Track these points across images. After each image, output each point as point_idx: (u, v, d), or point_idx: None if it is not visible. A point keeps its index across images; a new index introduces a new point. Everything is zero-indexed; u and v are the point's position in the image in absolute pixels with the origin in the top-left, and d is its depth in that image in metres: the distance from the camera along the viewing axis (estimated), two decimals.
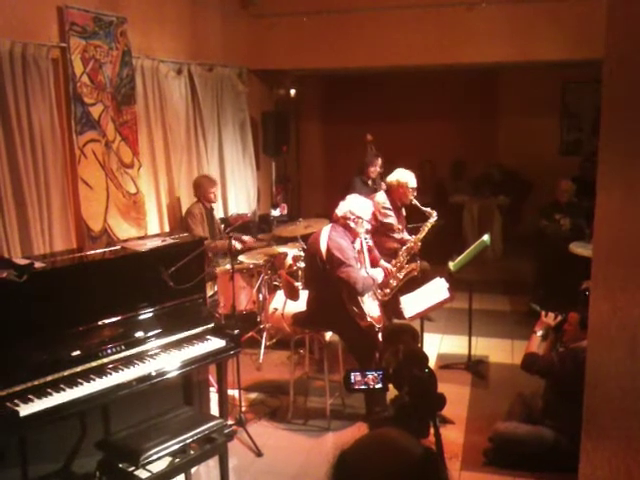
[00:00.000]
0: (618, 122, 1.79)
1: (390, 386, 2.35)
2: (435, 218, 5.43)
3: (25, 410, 2.90)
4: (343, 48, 7.65)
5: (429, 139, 9.67)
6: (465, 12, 7.21)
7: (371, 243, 5.10)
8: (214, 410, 4.23)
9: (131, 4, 5.66)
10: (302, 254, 5.69)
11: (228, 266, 5.05)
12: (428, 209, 5.46)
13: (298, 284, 5.37)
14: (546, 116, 9.57)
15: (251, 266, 5.79)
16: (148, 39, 5.97)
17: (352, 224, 4.55)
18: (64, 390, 3.10)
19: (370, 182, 7.37)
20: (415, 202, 5.57)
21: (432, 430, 2.21)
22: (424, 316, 4.96)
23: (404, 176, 5.66)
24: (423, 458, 1.25)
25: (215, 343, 3.84)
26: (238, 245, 6.08)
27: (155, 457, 3.08)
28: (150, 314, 3.71)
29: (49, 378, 3.11)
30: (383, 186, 6.13)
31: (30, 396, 2.99)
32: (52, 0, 4.82)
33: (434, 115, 9.64)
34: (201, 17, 6.90)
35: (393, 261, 5.34)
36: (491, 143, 9.83)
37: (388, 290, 5.16)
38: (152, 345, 3.62)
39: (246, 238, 6.41)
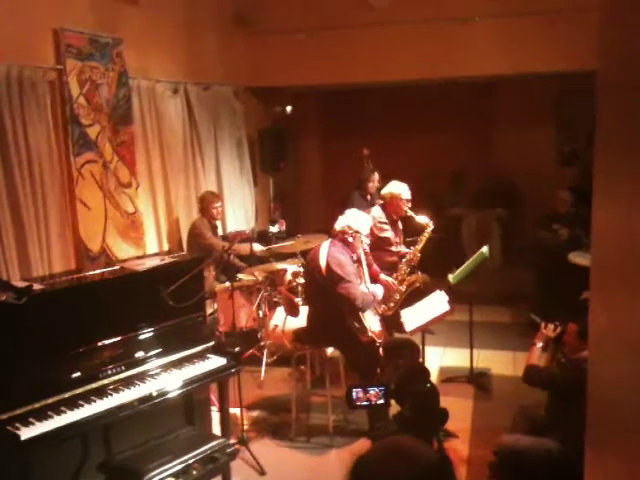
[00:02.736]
0: (613, 131, 1.79)
1: (393, 401, 2.35)
2: (432, 227, 5.42)
3: (26, 433, 2.88)
4: (339, 64, 7.69)
5: (426, 152, 9.66)
6: (459, 26, 7.23)
7: (370, 255, 5.09)
8: (216, 429, 4.20)
9: (127, 25, 5.70)
10: (301, 270, 5.69)
11: (227, 284, 5.04)
12: (424, 219, 5.44)
13: (298, 300, 5.36)
14: (542, 127, 9.57)
15: (251, 283, 5.78)
16: (144, 59, 6.00)
17: (350, 239, 4.55)
18: (65, 412, 3.08)
19: (369, 197, 7.38)
20: (410, 213, 5.56)
21: (435, 445, 2.20)
22: (425, 329, 4.95)
23: (397, 188, 5.65)
24: (440, 463, 1.26)
25: (216, 361, 3.82)
26: (257, 247, 6.23)
27: (157, 478, 3.06)
28: (150, 334, 3.69)
29: (50, 400, 3.10)
30: (379, 200, 6.13)
31: (31, 419, 2.97)
32: (48, 22, 4.87)
33: (431, 128, 9.65)
34: (197, 36, 6.94)
35: (394, 274, 5.33)
36: (488, 155, 9.83)
37: (392, 304, 5.15)
38: (153, 365, 3.60)
39: (257, 247, 6.39)
